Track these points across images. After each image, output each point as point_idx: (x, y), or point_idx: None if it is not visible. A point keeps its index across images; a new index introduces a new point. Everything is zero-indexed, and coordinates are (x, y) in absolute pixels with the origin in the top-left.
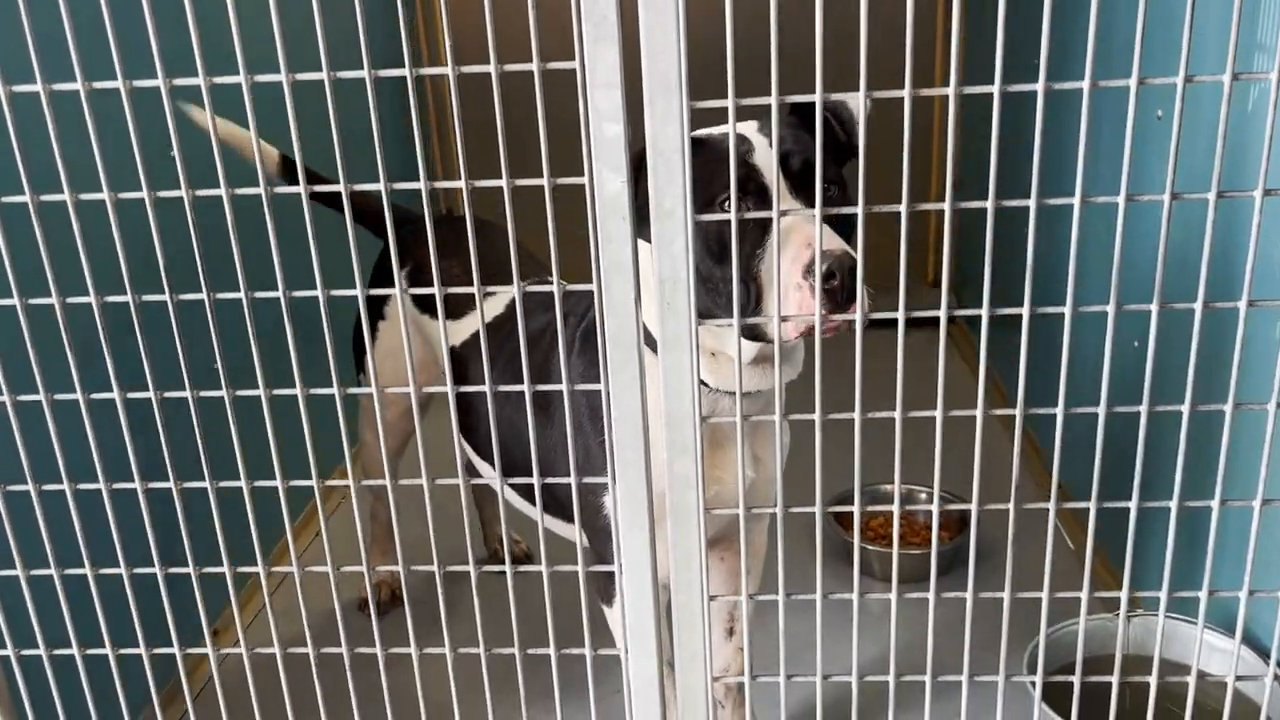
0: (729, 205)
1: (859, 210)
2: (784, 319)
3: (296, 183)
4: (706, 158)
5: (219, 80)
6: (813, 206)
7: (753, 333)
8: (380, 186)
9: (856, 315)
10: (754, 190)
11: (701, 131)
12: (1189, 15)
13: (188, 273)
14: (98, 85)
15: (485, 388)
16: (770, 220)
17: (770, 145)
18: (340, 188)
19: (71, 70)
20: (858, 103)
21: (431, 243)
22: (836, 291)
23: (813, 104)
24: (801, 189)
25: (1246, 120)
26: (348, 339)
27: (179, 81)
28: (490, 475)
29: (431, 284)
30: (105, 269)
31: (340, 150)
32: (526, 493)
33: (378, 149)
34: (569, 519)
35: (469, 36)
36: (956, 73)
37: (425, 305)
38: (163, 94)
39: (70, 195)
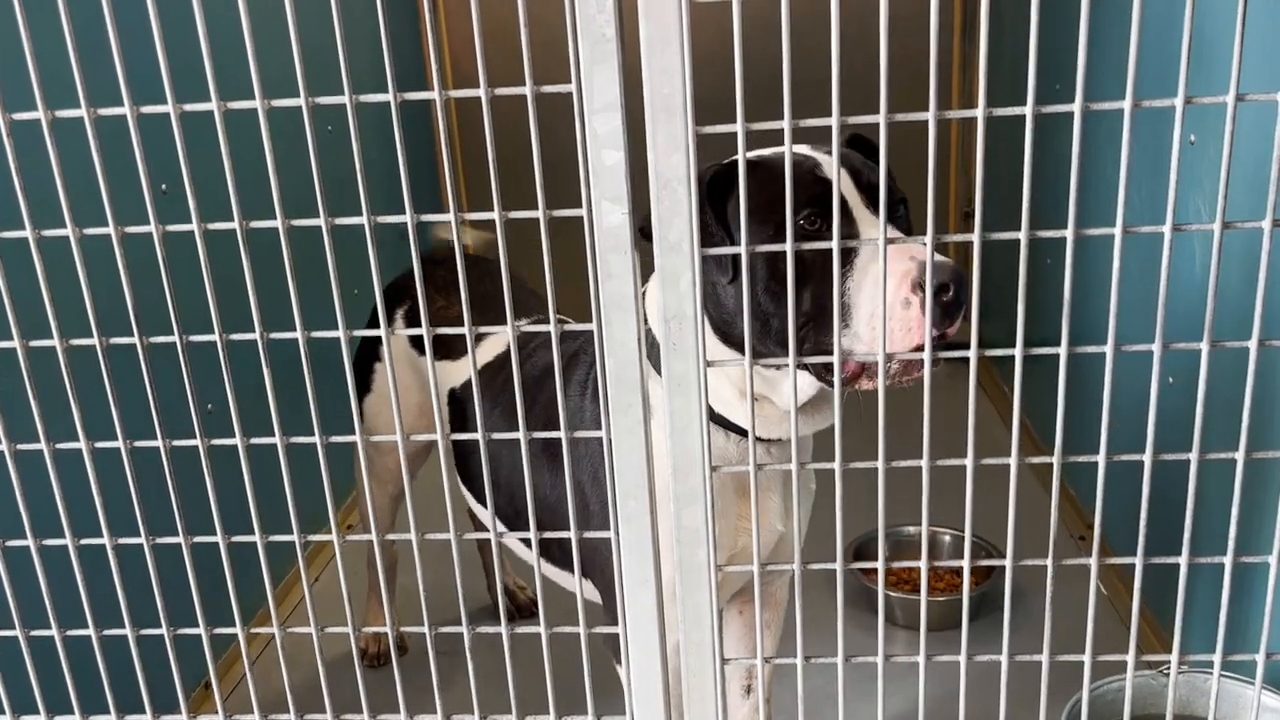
0: (806, 223)
1: (929, 240)
2: (845, 358)
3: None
4: (763, 179)
5: (234, 105)
6: (898, 238)
7: (818, 373)
8: (364, 220)
9: (972, 333)
10: (830, 206)
11: (752, 155)
12: (1240, 30)
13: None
14: (103, 111)
15: (479, 435)
16: (854, 238)
17: (833, 162)
18: (319, 221)
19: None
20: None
21: (419, 277)
22: (950, 306)
23: (857, 137)
24: (876, 205)
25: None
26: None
27: (189, 107)
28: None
29: (432, 323)
30: (70, 311)
31: (363, 181)
32: (541, 548)
33: (403, 178)
34: (586, 575)
35: (472, 61)
36: (985, 94)
37: (421, 347)
38: (172, 120)
39: (33, 233)
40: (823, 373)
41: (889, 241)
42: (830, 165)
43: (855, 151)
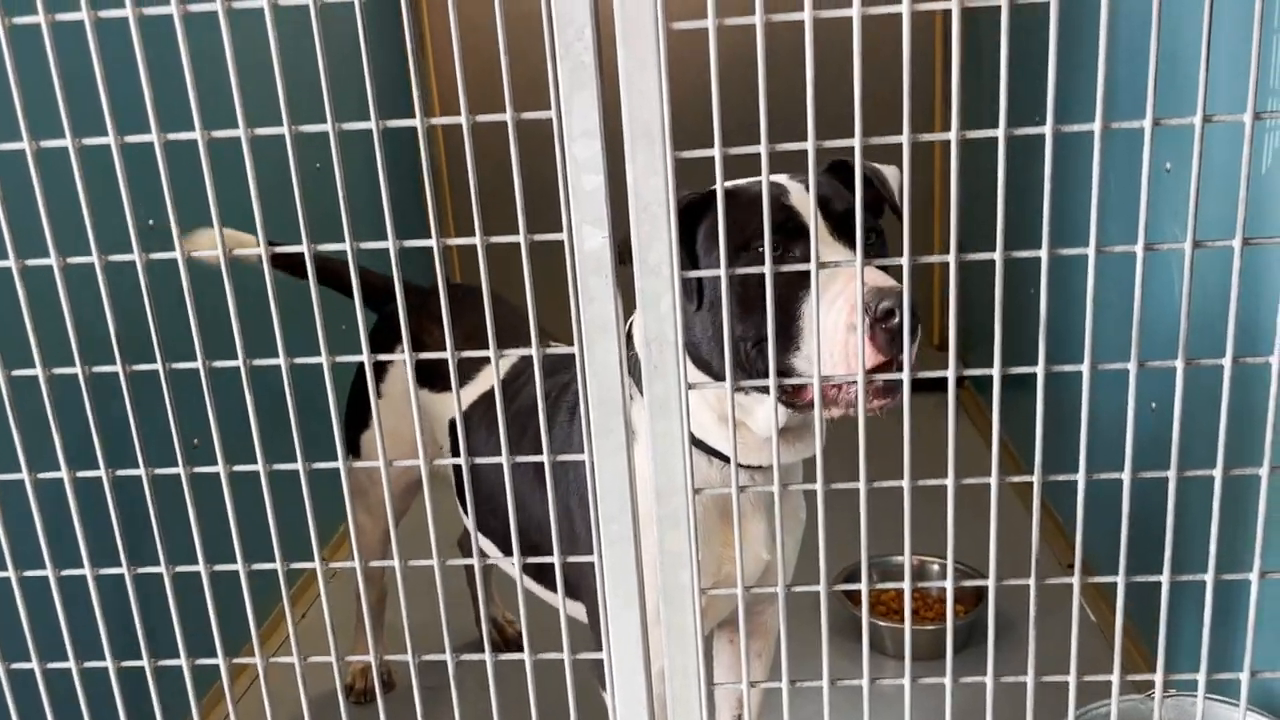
0: (766, 250)
1: (905, 261)
2: (825, 379)
3: (284, 265)
4: (734, 205)
5: (218, 134)
6: (854, 253)
7: (789, 399)
8: (345, 246)
9: (905, 365)
10: (793, 232)
11: (728, 184)
12: (1204, 54)
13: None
14: (88, 141)
15: (462, 460)
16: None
17: (806, 192)
18: (301, 248)
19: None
20: (894, 171)
21: (401, 306)
22: (896, 331)
23: (841, 163)
24: (843, 234)
25: (1258, 170)
26: (343, 408)
27: (173, 136)
28: (490, 551)
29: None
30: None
31: (346, 212)
32: (534, 571)
33: (384, 205)
34: (575, 597)
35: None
36: (958, 116)
37: (421, 379)
38: (156, 149)
39: (17, 263)
40: (780, 397)
41: (831, 265)
42: (800, 193)
43: (833, 179)
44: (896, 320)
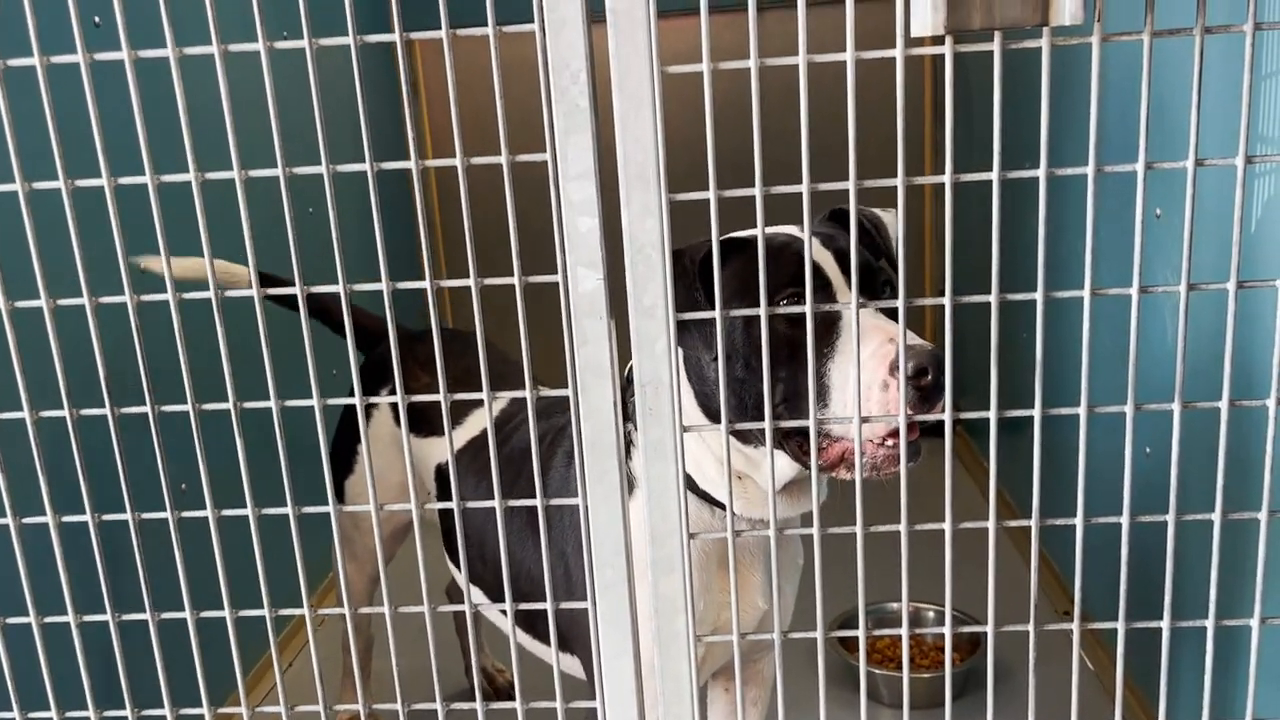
0: (790, 302)
1: (900, 304)
2: (865, 419)
3: (276, 299)
4: (750, 257)
5: (211, 176)
6: (871, 304)
7: (795, 454)
8: (340, 288)
9: (945, 414)
10: (818, 286)
11: (740, 234)
12: (1195, 99)
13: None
14: (80, 183)
15: (454, 504)
16: (836, 320)
17: (821, 245)
18: (294, 290)
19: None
20: (892, 217)
21: (394, 348)
22: (929, 390)
23: (842, 211)
24: (862, 288)
25: (1249, 216)
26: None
27: (168, 178)
28: (478, 600)
29: (415, 401)
30: (37, 381)
31: (339, 248)
32: (525, 622)
33: (379, 243)
34: (569, 650)
35: (452, 133)
36: (951, 159)
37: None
38: (150, 191)
39: (6, 304)
40: (800, 455)
41: (861, 309)
42: (821, 252)
43: (839, 228)
44: (929, 379)
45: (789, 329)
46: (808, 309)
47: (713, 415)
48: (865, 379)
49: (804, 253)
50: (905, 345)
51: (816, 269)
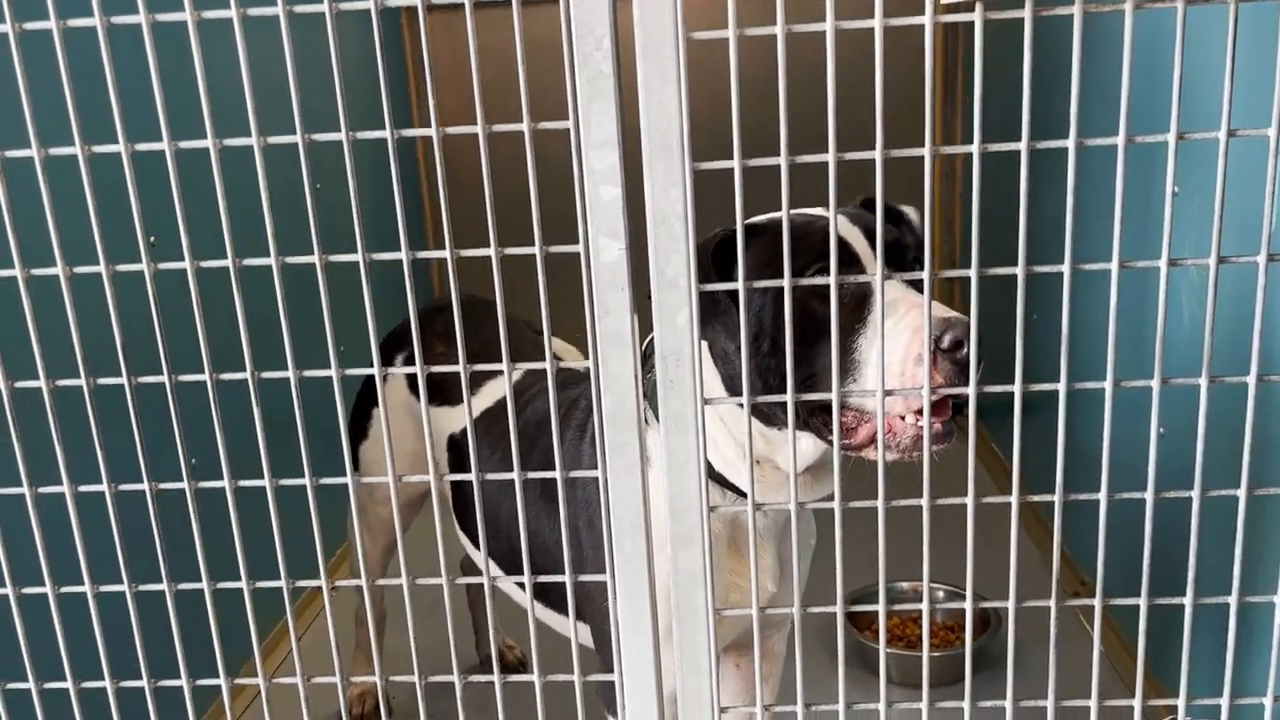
0: (819, 275)
1: (926, 275)
2: (888, 393)
3: None
4: (772, 239)
5: (229, 142)
6: (896, 276)
7: (820, 432)
8: (359, 257)
9: (970, 387)
10: (845, 262)
11: (760, 218)
12: (1229, 69)
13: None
14: (98, 149)
15: (473, 476)
16: (867, 295)
17: (848, 222)
18: (313, 258)
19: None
20: (915, 212)
21: (414, 320)
22: (967, 363)
23: (871, 201)
24: (894, 266)
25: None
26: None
27: (184, 145)
28: (492, 570)
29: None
30: (54, 350)
31: (358, 215)
32: (538, 592)
33: (399, 213)
34: (581, 619)
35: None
36: (979, 129)
37: (418, 392)
38: (168, 156)
39: (22, 271)
40: (825, 433)
41: (892, 283)
42: (845, 224)
43: (868, 214)
44: (965, 351)
45: (821, 305)
46: (832, 280)
47: (739, 396)
48: (900, 353)
49: (830, 229)
50: (941, 317)
51: (844, 244)
